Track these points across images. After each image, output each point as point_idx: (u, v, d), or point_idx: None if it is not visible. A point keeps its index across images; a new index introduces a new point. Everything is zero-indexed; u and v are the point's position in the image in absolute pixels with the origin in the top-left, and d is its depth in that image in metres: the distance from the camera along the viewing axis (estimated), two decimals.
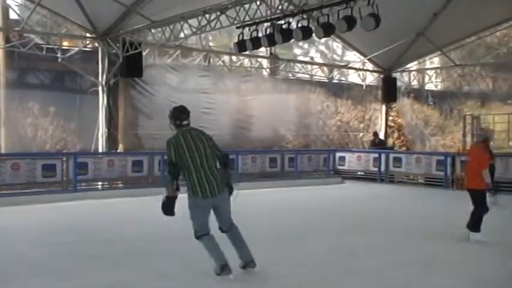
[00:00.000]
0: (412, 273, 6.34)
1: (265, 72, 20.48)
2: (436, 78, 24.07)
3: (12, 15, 15.61)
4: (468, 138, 21.54)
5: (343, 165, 17.93)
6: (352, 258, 7.08)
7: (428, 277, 6.18)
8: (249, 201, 13.07)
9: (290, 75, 21.13)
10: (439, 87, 25.25)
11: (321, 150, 19.39)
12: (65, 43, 16.09)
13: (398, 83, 22.59)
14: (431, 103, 24.62)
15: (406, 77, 23.63)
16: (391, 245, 7.98)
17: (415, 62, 22.51)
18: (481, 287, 5.90)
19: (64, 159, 13.46)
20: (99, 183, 14.47)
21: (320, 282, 5.93)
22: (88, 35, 15.90)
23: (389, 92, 21.88)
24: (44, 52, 15.11)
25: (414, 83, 24.12)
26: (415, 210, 11.70)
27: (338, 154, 18.31)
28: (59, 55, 15.24)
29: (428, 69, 23.49)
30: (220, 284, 5.82)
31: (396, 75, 22.33)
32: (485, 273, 6.39)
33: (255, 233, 8.83)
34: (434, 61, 23.60)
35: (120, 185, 14.65)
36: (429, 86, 24.83)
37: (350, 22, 10.80)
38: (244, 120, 19.18)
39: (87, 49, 16.24)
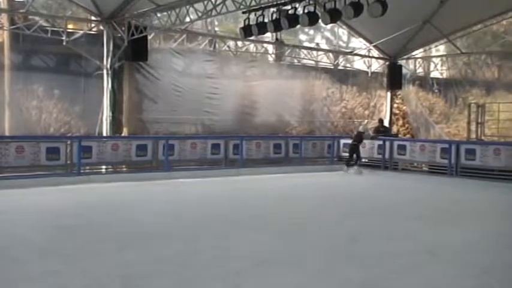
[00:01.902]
0: (414, 261, 6.35)
1: (270, 58, 20.40)
2: (441, 66, 23.98)
3: None
4: (473, 127, 21.49)
5: (347, 152, 17.88)
6: (352, 245, 7.10)
7: (430, 265, 6.19)
8: (252, 187, 13.16)
9: (295, 61, 21.04)
10: (444, 75, 25.12)
11: (326, 136, 19.37)
12: (70, 26, 16.03)
13: (404, 71, 22.52)
14: (436, 91, 24.52)
15: (412, 65, 23.54)
16: (393, 232, 7.99)
17: (421, 50, 22.43)
18: (482, 275, 5.90)
19: (68, 142, 13.45)
20: (103, 167, 14.50)
21: (319, 269, 5.94)
22: (93, 18, 15.84)
23: (394, 79, 21.83)
24: (49, 35, 15.06)
25: (419, 70, 24.03)
26: (418, 198, 11.71)
27: (342, 141, 18.27)
28: (63, 38, 15.18)
29: (434, 56, 23.40)
30: (216, 264, 5.84)
31: (402, 62, 22.25)
32: (487, 262, 6.40)
33: (255, 218, 8.89)
34: (440, 49, 23.48)
35: (124, 169, 14.67)
36: (434, 74, 24.73)
37: (357, 8, 10.76)
38: (249, 106, 19.14)
39: (92, 32, 16.18)
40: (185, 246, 6.82)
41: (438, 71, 24.43)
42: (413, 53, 22.38)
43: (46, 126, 15.47)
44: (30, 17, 14.89)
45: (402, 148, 16.77)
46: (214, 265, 5.98)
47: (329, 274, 5.76)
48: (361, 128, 17.16)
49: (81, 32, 15.83)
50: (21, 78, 15.14)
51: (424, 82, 24.21)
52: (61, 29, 15.29)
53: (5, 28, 14.82)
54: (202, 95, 17.93)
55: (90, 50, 15.83)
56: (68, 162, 13.25)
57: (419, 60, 23.42)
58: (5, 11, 14.92)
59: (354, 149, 16.37)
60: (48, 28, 15.16)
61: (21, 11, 14.62)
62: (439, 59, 23.46)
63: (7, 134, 14.61)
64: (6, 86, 14.97)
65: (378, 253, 6.61)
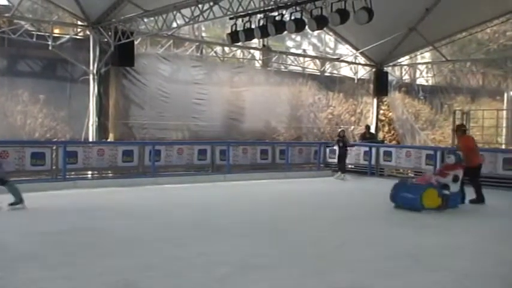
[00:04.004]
0: (400, 265, 6.38)
1: (257, 64, 20.43)
2: (427, 73, 24.20)
3: (2, 1, 15.42)
4: None
5: (334, 158, 17.95)
6: (340, 251, 7.12)
7: (415, 269, 6.23)
8: (238, 193, 13.14)
9: (282, 67, 21.10)
10: (430, 82, 25.37)
11: (312, 142, 19.43)
12: (56, 30, 15.94)
13: (390, 77, 22.68)
14: (422, 97, 24.71)
15: (398, 71, 23.71)
16: (381, 237, 8.03)
17: (407, 57, 22.63)
18: (464, 281, 5.94)
19: (54, 147, 13.40)
20: (89, 172, 14.43)
21: (307, 274, 5.95)
22: (79, 22, 15.79)
23: (380, 85, 21.97)
24: (35, 39, 14.96)
25: (405, 77, 24.22)
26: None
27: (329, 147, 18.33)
28: (49, 42, 15.09)
29: (419, 63, 23.61)
30: (207, 271, 5.83)
31: (388, 69, 22.42)
32: (470, 266, 6.45)
33: (241, 224, 8.89)
34: (425, 56, 23.73)
35: (110, 175, 14.61)
36: (420, 81, 24.95)
37: (343, 15, 10.83)
38: (236, 112, 19.15)
39: (78, 37, 16.11)
40: (170, 251, 6.79)
41: (424, 77, 24.67)
42: (399, 60, 22.56)
43: (31, 131, 15.34)
44: (15, 21, 14.78)
45: (388, 154, 16.90)
46: (198, 271, 5.96)
47: (316, 278, 5.77)
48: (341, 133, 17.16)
49: (67, 36, 15.75)
50: (6, 83, 15.02)
51: (409, 89, 24.39)
52: (47, 34, 15.21)
53: None
54: (189, 100, 17.90)
55: (76, 54, 15.75)
56: (54, 167, 13.18)
57: (405, 67, 23.61)
58: None
59: (345, 154, 16.50)
60: (33, 32, 15.06)
61: (6, 15, 14.52)
62: (424, 66, 23.68)
63: None
64: None
65: (365, 258, 6.64)
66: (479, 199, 11.34)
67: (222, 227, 8.52)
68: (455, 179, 10.47)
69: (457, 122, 21.63)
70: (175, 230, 8.27)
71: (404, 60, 22.85)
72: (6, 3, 15.11)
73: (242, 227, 8.61)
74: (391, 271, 6.13)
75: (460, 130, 12.07)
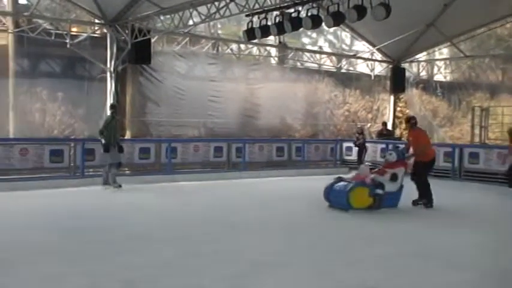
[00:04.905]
0: (411, 263, 6.34)
1: (273, 61, 20.41)
2: (445, 69, 23.95)
3: (22, 0, 15.59)
4: (477, 130, 21.44)
5: (350, 156, 17.90)
6: (352, 248, 7.10)
7: (428, 268, 6.19)
8: (254, 190, 13.16)
9: (298, 64, 21.03)
10: (448, 78, 25.09)
11: (328, 140, 19.37)
12: (74, 29, 16.07)
13: (407, 74, 22.50)
14: (439, 94, 24.48)
15: (415, 68, 23.48)
16: (391, 235, 7.99)
17: (425, 53, 22.37)
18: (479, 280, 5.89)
19: (72, 145, 13.53)
20: None
21: (317, 272, 5.94)
22: (97, 21, 15.88)
23: (397, 82, 21.80)
24: (53, 38, 15.09)
25: (423, 73, 23.98)
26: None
27: (345, 144, 18.27)
28: (67, 41, 15.22)
29: (437, 60, 23.37)
30: (226, 268, 5.85)
31: (405, 65, 22.23)
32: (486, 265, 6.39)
33: (256, 221, 8.89)
34: (443, 52, 23.42)
35: (127, 172, 14.70)
36: (438, 77, 24.67)
37: (360, 11, 10.75)
38: (251, 109, 19.14)
39: (95, 35, 16.21)
40: (188, 249, 6.82)
41: (442, 74, 24.40)
42: (417, 56, 22.33)
43: (50, 128, 15.49)
44: (34, 20, 14.93)
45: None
46: (214, 268, 5.98)
47: (328, 276, 5.76)
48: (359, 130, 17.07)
49: (85, 34, 15.86)
50: (26, 81, 15.18)
51: (427, 85, 24.17)
52: (65, 32, 15.33)
53: (9, 31, 14.87)
54: (205, 97, 17.94)
55: (93, 53, 15.85)
56: (72, 164, 13.30)
57: (422, 63, 23.37)
58: (10, 14, 14.98)
59: (363, 151, 16.43)
60: (52, 31, 15.20)
61: (25, 13, 14.68)
62: (442, 62, 23.44)
63: (11, 136, 14.66)
64: (10, 88, 15.01)
65: (379, 255, 6.61)
66: (428, 200, 10.38)
67: (237, 224, 8.54)
68: (393, 177, 9.94)
69: (476, 119, 21.49)
70: (193, 228, 8.30)
71: (422, 56, 22.61)
72: (25, 2, 15.28)
73: (257, 224, 8.62)
74: (404, 269, 6.10)
75: (410, 123, 11.03)
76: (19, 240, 7.13)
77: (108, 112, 13.37)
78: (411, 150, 10.57)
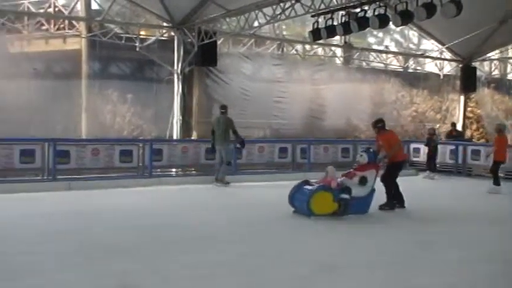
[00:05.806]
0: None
1: (338, 61, 20.24)
2: None
3: (94, 6, 16.23)
4: None
5: (418, 157, 17.43)
6: (430, 250, 6.91)
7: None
8: None
9: (364, 64, 20.75)
10: None
11: None
12: (143, 32, 16.54)
13: (478, 73, 21.72)
14: None
15: (487, 66, 22.69)
16: (474, 239, 7.72)
17: (497, 51, 21.56)
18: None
19: (140, 145, 13.89)
20: (173, 169, 14.83)
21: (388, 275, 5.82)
22: (165, 24, 16.27)
23: (468, 81, 21.09)
24: (123, 41, 15.61)
25: (495, 72, 23.13)
26: (499, 207, 11.15)
27: (412, 145, 17.83)
28: (137, 44, 15.70)
29: (511, 58, 22.41)
30: (291, 269, 5.84)
31: (476, 64, 21.46)
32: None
33: (317, 221, 8.82)
34: None
35: (194, 172, 14.93)
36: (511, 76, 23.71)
37: (430, 9, 10.46)
38: (316, 110, 19.04)
39: (163, 38, 16.61)
40: (244, 249, 6.84)
41: None
42: (489, 55, 21.52)
43: (120, 129, 16.01)
44: (106, 24, 15.48)
45: (476, 153, 16.17)
46: (279, 269, 5.99)
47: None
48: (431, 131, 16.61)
49: (153, 38, 16.28)
50: (97, 83, 15.77)
51: (500, 84, 23.27)
52: (134, 36, 15.82)
53: (82, 36, 15.49)
54: (270, 99, 17.99)
55: (161, 55, 16.25)
56: (140, 164, 13.66)
57: (495, 61, 22.52)
58: (83, 19, 15.60)
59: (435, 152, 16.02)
60: (122, 35, 15.72)
61: (97, 19, 15.25)
62: None
63: (84, 137, 15.25)
64: (83, 91, 15.65)
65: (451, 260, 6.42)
66: (389, 203, 9.79)
67: (300, 224, 8.51)
68: (362, 181, 9.09)
69: None
70: (250, 227, 8.31)
71: (494, 54, 21.78)
72: (98, 7, 15.87)
73: (320, 225, 8.55)
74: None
75: (377, 127, 10.30)
76: (91, 237, 7.37)
77: (218, 112, 13.83)
78: (381, 153, 9.88)
